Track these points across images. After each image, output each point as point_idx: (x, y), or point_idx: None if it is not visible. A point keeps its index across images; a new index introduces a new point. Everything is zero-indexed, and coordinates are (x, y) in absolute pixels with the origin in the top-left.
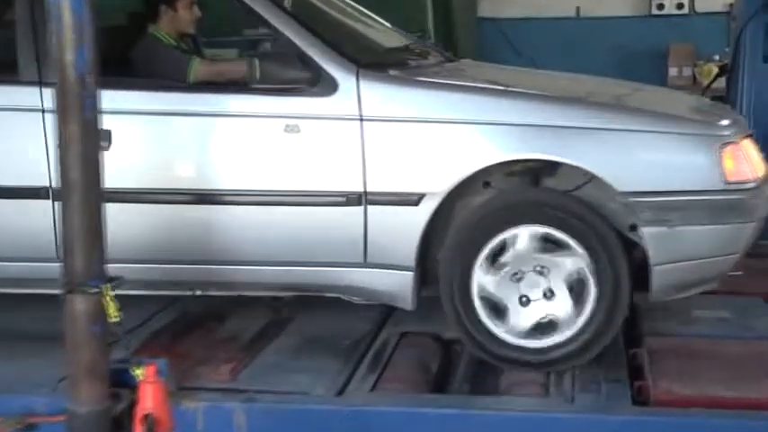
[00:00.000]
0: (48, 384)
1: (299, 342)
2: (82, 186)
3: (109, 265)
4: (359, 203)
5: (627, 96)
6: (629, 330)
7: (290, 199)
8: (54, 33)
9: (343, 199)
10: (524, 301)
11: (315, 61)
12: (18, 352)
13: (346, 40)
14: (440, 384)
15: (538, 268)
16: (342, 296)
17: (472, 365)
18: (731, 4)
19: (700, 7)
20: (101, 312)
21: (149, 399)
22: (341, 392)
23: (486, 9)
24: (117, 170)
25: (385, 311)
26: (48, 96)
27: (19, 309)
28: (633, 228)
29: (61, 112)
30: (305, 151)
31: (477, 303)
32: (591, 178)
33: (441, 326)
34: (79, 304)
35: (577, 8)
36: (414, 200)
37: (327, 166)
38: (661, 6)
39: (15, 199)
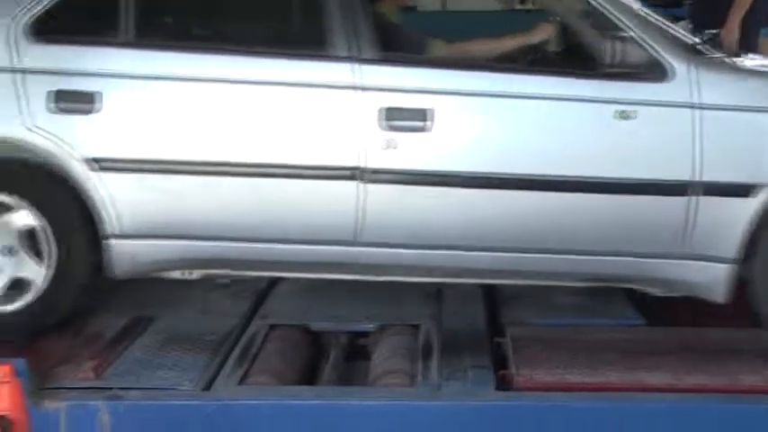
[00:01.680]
0: None
1: (164, 339)
2: None
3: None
4: (689, 193)
5: None
6: (493, 319)
7: (614, 186)
8: None
9: (673, 188)
10: None
11: (650, 47)
12: None
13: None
14: (309, 376)
15: None
16: (639, 288)
17: (341, 357)
18: None
19: None
20: None
21: (5, 400)
22: (208, 387)
23: None
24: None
25: (252, 306)
26: (365, 73)
27: None
28: None
29: None
30: (636, 138)
31: None
32: None
33: (309, 318)
34: None
35: (443, 1)
36: (747, 191)
37: (658, 154)
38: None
39: (318, 180)
